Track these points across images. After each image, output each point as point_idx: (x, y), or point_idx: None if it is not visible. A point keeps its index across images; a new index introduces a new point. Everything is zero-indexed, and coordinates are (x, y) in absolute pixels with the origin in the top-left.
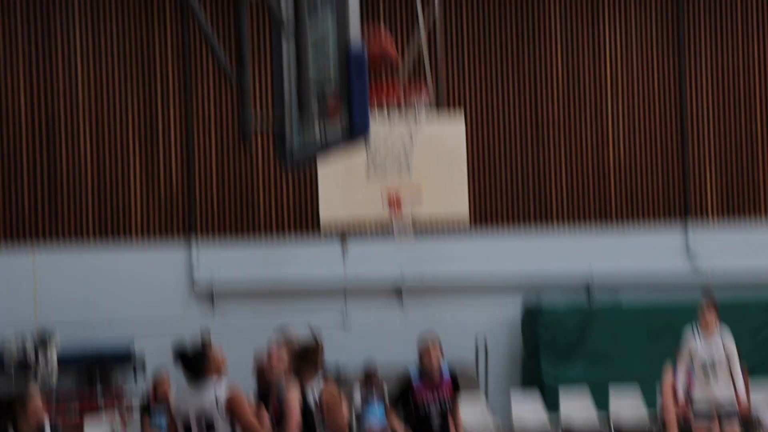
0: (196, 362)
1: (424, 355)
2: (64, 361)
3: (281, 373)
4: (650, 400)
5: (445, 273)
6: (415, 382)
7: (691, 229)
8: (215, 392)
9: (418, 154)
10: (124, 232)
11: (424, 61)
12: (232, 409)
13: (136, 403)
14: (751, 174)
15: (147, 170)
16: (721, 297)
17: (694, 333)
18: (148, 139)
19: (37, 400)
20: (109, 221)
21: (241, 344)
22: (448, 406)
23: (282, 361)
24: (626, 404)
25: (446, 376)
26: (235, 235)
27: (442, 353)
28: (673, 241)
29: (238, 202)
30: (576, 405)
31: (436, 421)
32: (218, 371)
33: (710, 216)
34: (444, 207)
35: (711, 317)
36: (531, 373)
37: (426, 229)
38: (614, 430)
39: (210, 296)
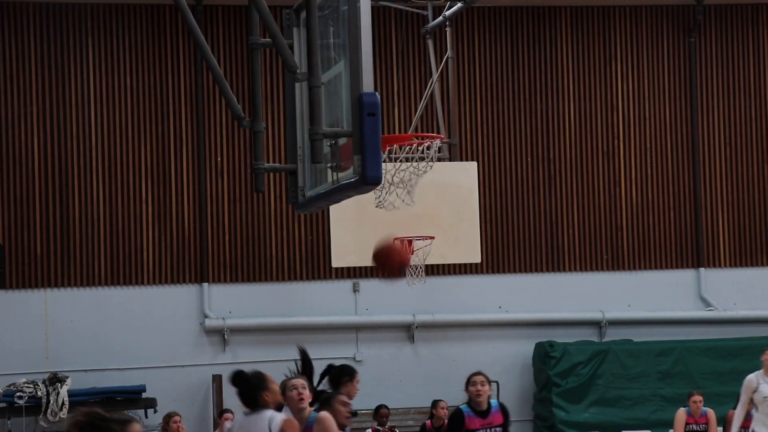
0: (254, 391)
1: (472, 390)
2: (75, 401)
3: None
4: None
5: (457, 313)
6: (467, 414)
7: (703, 274)
8: (269, 423)
9: (431, 200)
10: (136, 279)
11: (437, 110)
12: None
13: None
14: (763, 220)
15: (159, 217)
16: (734, 338)
17: (756, 373)
18: (161, 186)
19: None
20: (121, 268)
21: None
22: None
23: (307, 396)
24: None
25: (495, 408)
26: (246, 280)
27: (489, 383)
28: (686, 285)
29: (250, 248)
30: None
31: None
32: (275, 403)
33: (722, 262)
34: (456, 253)
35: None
36: (542, 412)
37: (438, 272)
38: None
39: (221, 336)
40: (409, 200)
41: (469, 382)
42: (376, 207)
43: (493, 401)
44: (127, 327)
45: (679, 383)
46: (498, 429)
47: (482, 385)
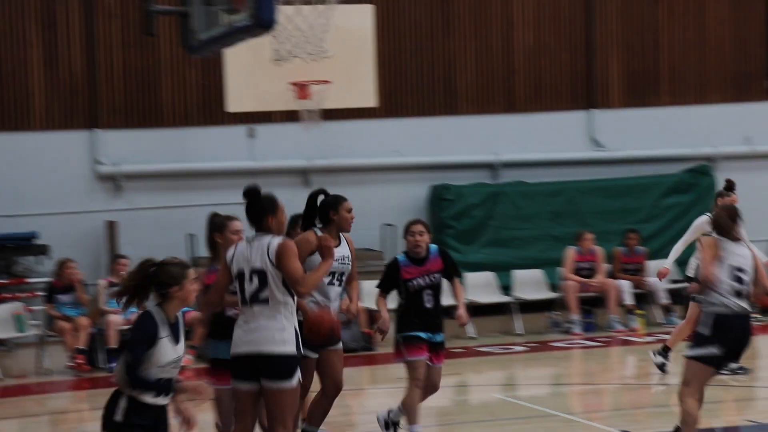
0: (262, 212)
1: (410, 240)
2: None
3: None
4: (552, 279)
5: (353, 158)
6: (403, 264)
7: (594, 115)
8: (269, 243)
9: (327, 44)
10: (25, 125)
11: None
12: (279, 255)
13: (40, 287)
14: (654, 61)
15: (48, 61)
16: (623, 177)
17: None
18: (49, 29)
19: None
20: (9, 113)
21: (148, 227)
22: (437, 281)
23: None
24: (529, 282)
25: (433, 254)
26: (140, 123)
27: (428, 232)
28: (578, 126)
29: (143, 93)
30: (480, 283)
31: (426, 297)
32: (279, 231)
33: (614, 102)
34: (352, 97)
35: (728, 202)
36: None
37: (334, 116)
38: (517, 307)
39: (114, 182)
40: (313, 59)
41: (408, 231)
42: (275, 62)
43: (433, 247)
44: (18, 173)
45: (569, 223)
46: (436, 275)
47: (421, 234)
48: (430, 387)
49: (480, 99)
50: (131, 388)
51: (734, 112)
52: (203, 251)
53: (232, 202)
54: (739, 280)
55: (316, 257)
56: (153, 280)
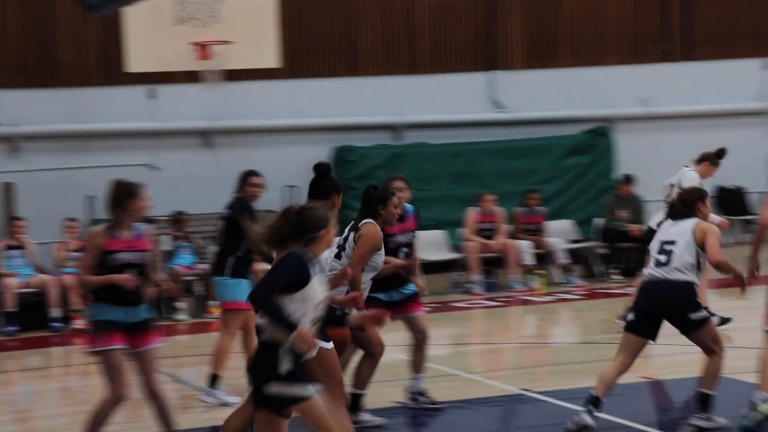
0: (331, 187)
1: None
2: None
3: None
4: (454, 239)
5: (255, 119)
6: None
7: (496, 76)
8: None
9: (229, 4)
10: None
11: None
12: None
13: None
14: (555, 24)
15: None
16: (524, 138)
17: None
18: None
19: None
20: None
21: (46, 189)
22: (413, 239)
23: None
24: (430, 243)
25: (410, 213)
26: (37, 83)
27: (409, 188)
28: (480, 88)
29: (41, 52)
30: None
31: (401, 254)
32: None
33: (515, 64)
34: (254, 57)
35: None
36: (339, 215)
37: (236, 77)
38: (419, 268)
39: (12, 143)
40: (215, 19)
41: (390, 186)
42: (177, 24)
43: (409, 206)
44: None
45: (470, 184)
46: (412, 233)
47: (401, 191)
48: (421, 336)
49: (383, 60)
50: (262, 305)
51: (631, 74)
52: (102, 213)
53: (132, 164)
54: (665, 251)
55: (379, 254)
56: (299, 225)
